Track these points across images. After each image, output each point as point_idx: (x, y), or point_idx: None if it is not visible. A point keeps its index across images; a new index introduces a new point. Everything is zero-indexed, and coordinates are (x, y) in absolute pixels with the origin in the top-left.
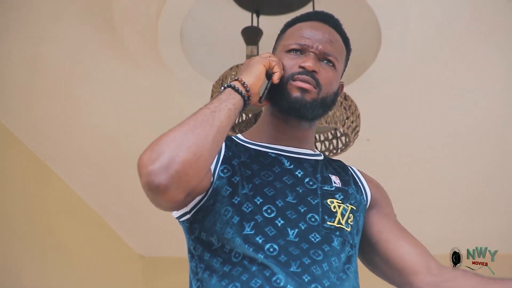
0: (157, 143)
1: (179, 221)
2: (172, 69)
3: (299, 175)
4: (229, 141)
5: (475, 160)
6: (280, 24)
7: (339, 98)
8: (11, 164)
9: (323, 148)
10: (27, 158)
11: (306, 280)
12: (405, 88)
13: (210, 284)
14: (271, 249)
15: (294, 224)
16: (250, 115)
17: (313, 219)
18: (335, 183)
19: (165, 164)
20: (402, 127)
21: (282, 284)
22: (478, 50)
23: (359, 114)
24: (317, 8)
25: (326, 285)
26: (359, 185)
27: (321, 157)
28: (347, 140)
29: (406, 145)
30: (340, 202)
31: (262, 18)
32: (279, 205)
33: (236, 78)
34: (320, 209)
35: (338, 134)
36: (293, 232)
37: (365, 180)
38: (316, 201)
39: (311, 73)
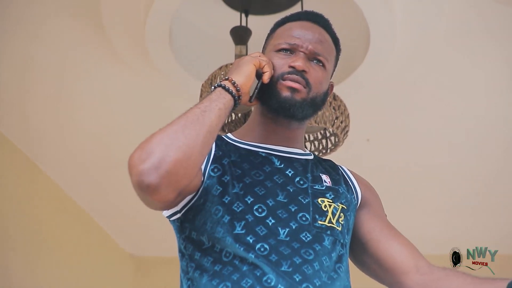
0: (148, 142)
1: (169, 220)
2: (161, 68)
3: (290, 174)
4: (219, 140)
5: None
6: (269, 24)
7: (328, 98)
8: (0, 163)
9: (313, 148)
10: (17, 157)
11: (297, 279)
12: (394, 88)
13: (201, 283)
14: (262, 249)
15: (285, 223)
16: (239, 114)
17: (304, 218)
18: (325, 182)
19: (155, 164)
20: (391, 128)
21: (273, 283)
22: (466, 51)
23: (348, 114)
24: (306, 8)
25: (317, 284)
26: (350, 185)
27: (311, 157)
28: (337, 140)
29: (395, 145)
30: (331, 201)
31: (251, 17)
32: (270, 204)
33: (226, 77)
34: (311, 208)
35: (328, 134)
36: (284, 232)
37: (356, 179)
38: (307, 200)
39: (301, 72)
